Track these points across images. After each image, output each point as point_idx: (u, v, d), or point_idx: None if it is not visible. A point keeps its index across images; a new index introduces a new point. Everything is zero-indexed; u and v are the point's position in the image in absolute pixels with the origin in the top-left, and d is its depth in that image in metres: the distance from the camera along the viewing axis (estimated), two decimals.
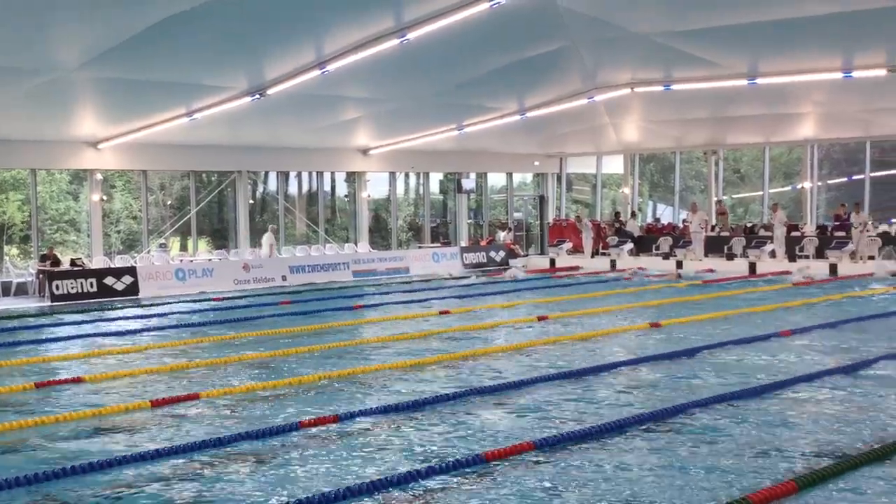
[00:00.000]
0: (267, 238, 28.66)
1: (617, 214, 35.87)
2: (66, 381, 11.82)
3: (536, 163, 36.68)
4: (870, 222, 27.78)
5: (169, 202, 33.98)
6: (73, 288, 22.73)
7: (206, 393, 10.80)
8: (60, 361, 13.70)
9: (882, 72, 22.49)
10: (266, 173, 32.84)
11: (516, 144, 34.25)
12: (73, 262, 24.34)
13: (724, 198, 35.72)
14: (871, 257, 27.20)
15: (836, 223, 29.42)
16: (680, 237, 31.38)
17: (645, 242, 32.60)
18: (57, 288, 22.52)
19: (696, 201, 33.11)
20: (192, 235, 29.72)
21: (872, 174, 31.81)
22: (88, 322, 18.63)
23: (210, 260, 27.26)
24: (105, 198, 28.08)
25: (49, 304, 22.09)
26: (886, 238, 28.16)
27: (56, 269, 23.43)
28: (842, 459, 7.70)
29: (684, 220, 32.92)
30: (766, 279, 24.94)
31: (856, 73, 22.82)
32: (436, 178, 36.26)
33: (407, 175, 35.82)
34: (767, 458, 7.90)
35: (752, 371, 11.76)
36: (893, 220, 30.18)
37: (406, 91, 24.56)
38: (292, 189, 33.58)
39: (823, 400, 10.15)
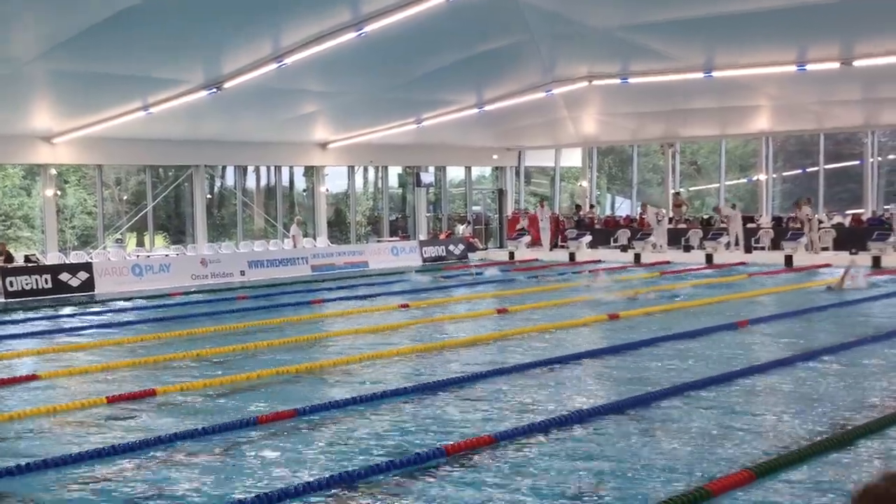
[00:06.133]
0: (293, 229, 29.46)
1: (577, 207, 36.02)
2: (20, 379, 11.66)
3: (495, 156, 36.74)
4: (813, 217, 27.95)
5: (125, 197, 33.64)
6: (27, 284, 22.42)
7: (163, 389, 10.70)
8: (14, 358, 13.51)
9: (835, 65, 22.75)
10: (224, 168, 32.63)
11: (475, 138, 34.29)
12: (27, 259, 24.01)
13: (682, 189, 36.01)
14: (826, 248, 27.53)
15: (792, 216, 29.83)
16: (638, 229, 31.58)
17: (603, 235, 32.78)
18: (11, 284, 22.20)
19: (645, 202, 33.60)
20: (149, 231, 29.44)
21: (826, 166, 32.21)
22: (43, 319, 18.40)
23: (167, 255, 27.01)
24: (59, 193, 27.71)
25: (3, 300, 21.77)
26: (840, 229, 28.53)
27: (10, 265, 23.09)
28: (798, 448, 7.79)
29: (641, 214, 33.20)
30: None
31: (809, 67, 23.06)
32: (394, 172, 36.20)
33: (365, 169, 35.73)
34: (724, 447, 7.98)
35: (710, 360, 11.86)
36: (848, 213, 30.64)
37: (364, 84, 24.49)
38: (250, 183, 33.40)
39: (779, 389, 10.27)
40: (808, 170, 34.22)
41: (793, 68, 23.35)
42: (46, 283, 22.72)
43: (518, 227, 34.12)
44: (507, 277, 24.86)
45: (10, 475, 7.44)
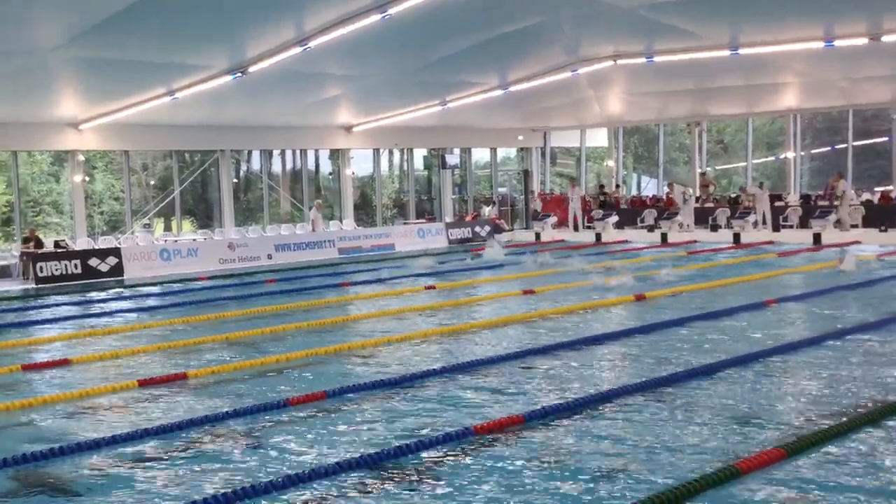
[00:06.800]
0: (313, 213, 29.44)
1: (602, 187, 35.90)
2: (52, 363, 11.79)
3: (520, 137, 36.65)
4: (849, 192, 27.78)
5: (152, 182, 33.84)
6: (57, 270, 22.64)
7: (194, 372, 10.79)
8: (47, 343, 13.66)
9: (863, 40, 22.52)
10: (249, 152, 32.75)
11: (500, 119, 34.22)
12: (56, 244, 24.23)
13: (708, 169, 35.79)
14: (855, 226, 27.32)
15: (821, 193, 29.58)
16: (665, 209, 31.44)
17: (630, 215, 32.65)
18: (41, 270, 22.42)
19: (672, 180, 33.43)
20: (177, 215, 29.61)
21: (855, 143, 31.90)
22: (74, 304, 18.56)
23: (195, 240, 27.17)
24: (87, 179, 27.89)
25: (33, 286, 22.00)
26: (869, 207, 28.28)
27: (40, 251, 23.31)
28: (829, 426, 7.76)
29: (667, 193, 33.04)
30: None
31: (837, 43, 22.83)
32: (420, 155, 36.18)
33: (391, 152, 35.74)
34: (754, 426, 7.95)
35: (738, 339, 11.82)
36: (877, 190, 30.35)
37: (388, 67, 24.47)
38: (276, 167, 33.49)
39: (809, 367, 10.22)
40: (837, 147, 33.93)
41: (820, 44, 23.13)
42: (76, 268, 22.93)
43: (532, 207, 34.33)
44: (529, 259, 24.76)
45: (44, 458, 7.54)
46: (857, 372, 9.85)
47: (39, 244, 23.86)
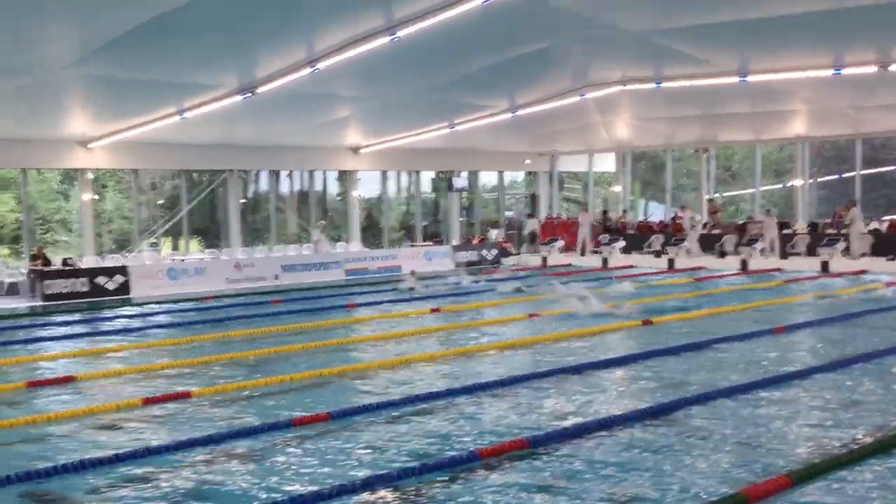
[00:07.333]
0: (315, 234, 29.39)
1: (605, 213, 35.84)
2: (57, 380, 11.78)
3: (528, 161, 36.70)
4: (859, 221, 27.69)
5: (160, 202, 33.92)
6: (64, 287, 22.66)
7: (198, 391, 10.77)
8: (52, 360, 13.65)
9: (872, 69, 22.54)
10: (257, 172, 32.82)
11: (507, 143, 34.28)
12: (64, 262, 24.27)
13: (716, 195, 35.77)
14: (864, 254, 27.24)
15: (828, 221, 29.52)
16: (672, 235, 31.38)
17: (636, 240, 32.60)
18: (48, 288, 22.45)
19: (683, 203, 33.35)
20: (184, 235, 29.66)
21: (863, 171, 31.87)
22: (80, 321, 18.57)
23: (202, 259, 27.19)
24: (96, 197, 27.97)
25: (41, 303, 22.01)
26: (877, 235, 28.20)
27: (47, 268, 23.35)
28: (835, 454, 7.70)
29: (672, 217, 33.02)
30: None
31: (845, 71, 22.86)
32: (427, 177, 36.24)
33: (398, 174, 35.79)
34: (760, 453, 7.90)
35: (746, 366, 11.77)
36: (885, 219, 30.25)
37: (397, 89, 24.56)
38: (284, 188, 33.56)
39: (817, 394, 10.16)
40: (844, 175, 33.88)
41: (829, 72, 23.16)
42: (83, 286, 22.95)
43: (528, 231, 34.35)
44: (535, 282, 24.72)
45: (48, 476, 7.52)
46: (868, 399, 9.79)
47: (47, 262, 23.91)
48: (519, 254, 34.43)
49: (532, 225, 34.85)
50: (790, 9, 18.86)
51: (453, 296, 21.58)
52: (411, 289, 22.61)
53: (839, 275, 24.60)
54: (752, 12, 19.26)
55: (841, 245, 27.05)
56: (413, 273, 25.03)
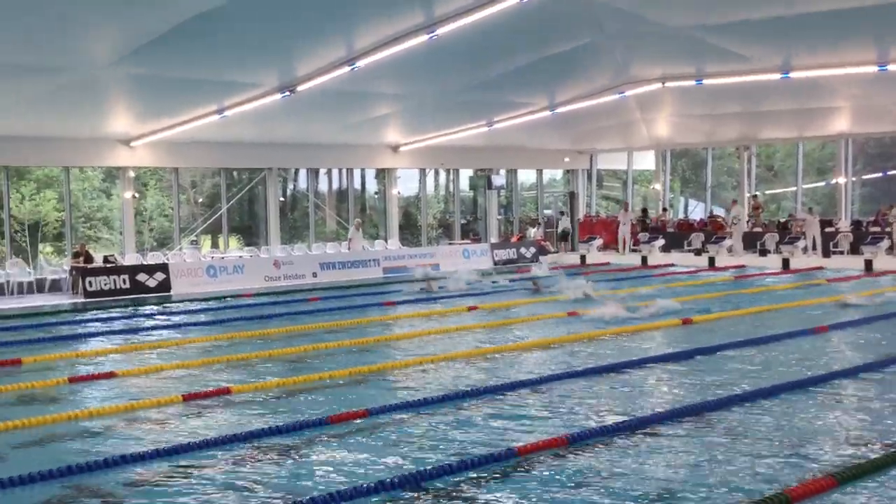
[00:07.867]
0: (351, 232, 29.32)
1: (644, 211, 35.62)
2: (99, 376, 11.88)
3: (566, 159, 36.54)
4: None
5: (200, 200, 34.16)
6: (105, 284, 22.89)
7: (238, 388, 10.82)
8: (93, 357, 13.78)
9: None
10: (296, 170, 32.94)
11: (546, 140, 34.14)
12: (105, 259, 24.51)
13: (758, 193, 35.41)
14: None
15: (872, 219, 29.12)
16: (713, 233, 31.11)
17: (676, 238, 32.36)
18: (90, 284, 22.68)
19: (735, 199, 32.93)
20: (224, 233, 29.85)
21: None
22: (121, 318, 18.74)
23: (241, 257, 27.34)
24: (136, 196, 28.24)
25: (82, 300, 22.25)
26: None
27: (89, 265, 23.60)
28: (880, 455, 7.58)
29: (711, 215, 32.72)
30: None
31: (891, 67, 22.50)
32: (465, 175, 36.20)
33: (437, 172, 35.79)
34: (804, 454, 7.80)
35: (789, 365, 11.63)
36: None
37: (435, 87, 24.53)
38: (322, 186, 33.66)
39: (860, 395, 10.02)
40: (889, 172, 33.41)
41: (873, 68, 22.81)
42: (124, 283, 23.17)
43: (561, 229, 34.11)
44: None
45: (89, 471, 7.58)
46: None
47: (89, 259, 24.16)
48: (557, 251, 34.30)
49: (564, 223, 34.67)
50: (834, 4, 18.60)
51: (492, 294, 21.51)
52: (426, 290, 22.22)
53: (883, 273, 24.27)
54: (796, 8, 19.02)
55: (885, 243, 26.70)
56: (428, 276, 24.33)
